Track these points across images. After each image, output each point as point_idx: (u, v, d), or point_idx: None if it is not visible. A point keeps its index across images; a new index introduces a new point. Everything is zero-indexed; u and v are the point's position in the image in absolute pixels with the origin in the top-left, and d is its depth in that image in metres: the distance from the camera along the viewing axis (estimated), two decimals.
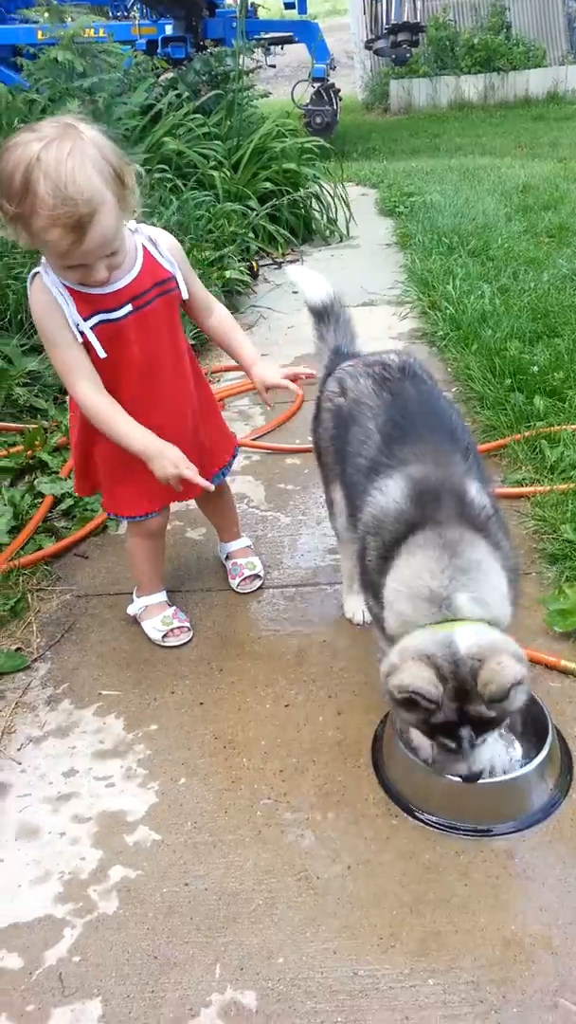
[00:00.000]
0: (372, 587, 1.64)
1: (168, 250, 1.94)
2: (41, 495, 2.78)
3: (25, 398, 3.31)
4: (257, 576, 2.41)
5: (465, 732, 1.44)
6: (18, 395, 3.30)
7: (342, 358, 2.16)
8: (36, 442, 2.98)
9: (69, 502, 2.78)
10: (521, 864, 1.54)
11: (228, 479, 2.78)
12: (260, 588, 2.40)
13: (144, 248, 1.88)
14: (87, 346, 1.82)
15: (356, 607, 2.21)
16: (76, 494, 2.31)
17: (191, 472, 1.86)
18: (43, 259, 1.79)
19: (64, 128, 1.63)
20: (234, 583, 2.40)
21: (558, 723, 1.79)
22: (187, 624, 2.23)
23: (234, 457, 2.34)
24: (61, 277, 1.77)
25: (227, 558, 2.46)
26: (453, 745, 1.46)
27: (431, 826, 1.63)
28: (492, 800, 1.65)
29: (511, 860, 1.55)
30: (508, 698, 1.39)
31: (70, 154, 1.58)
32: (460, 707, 1.40)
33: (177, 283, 1.94)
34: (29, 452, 2.97)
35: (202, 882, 1.56)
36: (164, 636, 2.20)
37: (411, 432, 1.73)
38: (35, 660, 2.17)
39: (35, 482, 2.83)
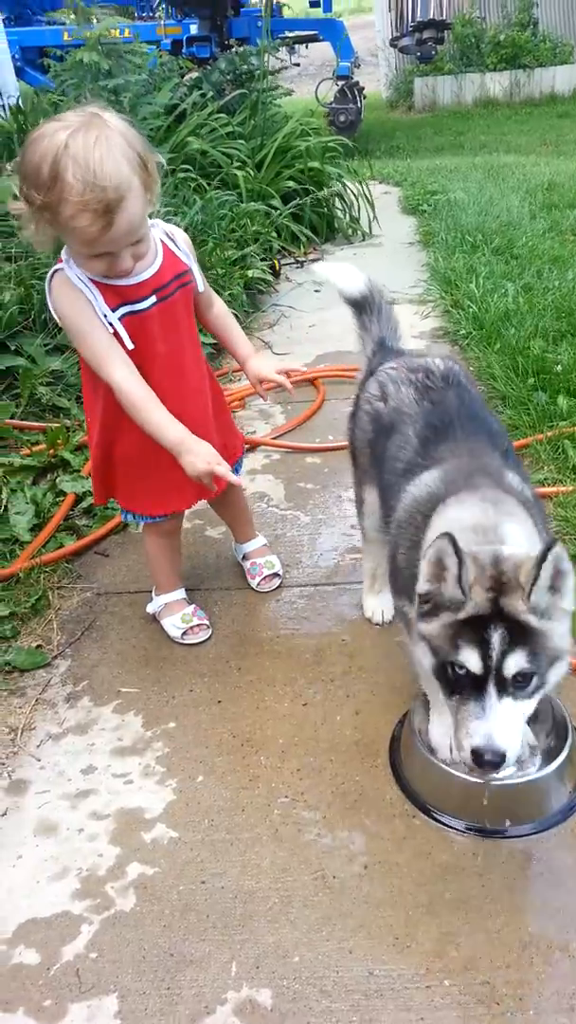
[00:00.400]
0: (405, 588, 1.58)
1: (183, 243, 1.96)
2: (63, 493, 2.80)
3: (48, 397, 3.33)
4: (276, 575, 2.42)
5: (496, 636, 1.30)
6: (41, 394, 3.32)
7: (387, 352, 2.14)
8: (58, 441, 3.00)
9: (90, 500, 2.79)
10: (538, 866, 1.54)
11: (248, 478, 2.78)
12: (279, 587, 2.40)
13: (162, 242, 1.90)
14: (115, 338, 1.81)
15: (376, 606, 2.20)
16: (94, 503, 2.27)
17: (224, 468, 1.83)
18: (64, 254, 1.80)
19: (89, 117, 1.65)
20: (254, 582, 2.41)
21: None
22: (206, 622, 2.23)
23: (243, 455, 2.33)
24: (86, 269, 1.77)
25: (244, 558, 2.46)
26: (476, 665, 1.31)
27: (448, 827, 1.62)
28: (510, 801, 1.64)
29: (528, 862, 1.54)
30: (553, 591, 1.31)
31: (97, 141, 1.61)
32: (495, 599, 1.31)
33: (193, 275, 1.95)
34: (51, 451, 2.99)
35: (219, 880, 1.56)
36: (183, 634, 2.21)
37: (448, 434, 1.73)
38: (55, 657, 2.18)
39: (57, 480, 2.85)
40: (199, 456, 1.81)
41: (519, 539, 1.41)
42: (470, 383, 1.93)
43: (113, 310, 1.80)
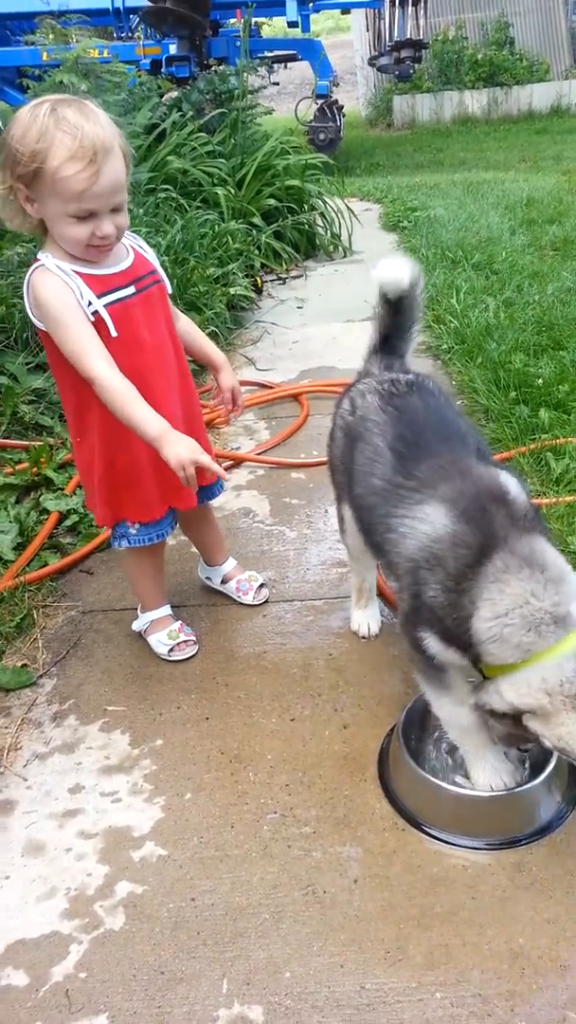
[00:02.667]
0: (439, 623, 1.52)
1: (149, 250, 2.01)
2: (46, 512, 2.79)
3: (31, 415, 3.33)
4: (264, 584, 2.43)
5: None
6: (23, 412, 3.32)
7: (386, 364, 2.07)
8: (41, 459, 3.00)
9: (74, 518, 2.79)
10: (529, 877, 1.54)
11: (233, 493, 2.79)
12: (266, 602, 2.40)
13: (132, 247, 1.95)
14: (99, 328, 1.81)
15: (363, 620, 2.21)
16: (98, 524, 2.22)
17: (207, 458, 1.79)
18: (42, 254, 1.82)
19: (72, 97, 1.76)
20: (247, 598, 2.40)
21: None
22: (193, 637, 2.23)
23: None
24: (70, 241, 1.77)
25: (223, 581, 2.44)
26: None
27: (438, 840, 1.62)
28: (500, 813, 1.64)
29: (519, 873, 1.55)
30: None
31: (81, 107, 1.72)
32: None
33: (161, 276, 1.99)
34: (35, 469, 2.98)
35: (209, 897, 1.56)
36: (170, 650, 2.20)
37: (422, 447, 1.70)
38: (41, 676, 2.17)
39: (40, 499, 2.85)
40: (182, 445, 1.76)
41: None
42: (437, 389, 1.92)
43: (99, 296, 1.82)
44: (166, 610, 2.27)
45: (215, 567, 2.45)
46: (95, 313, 1.80)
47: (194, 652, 2.21)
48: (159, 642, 2.22)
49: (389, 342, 2.08)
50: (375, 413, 1.84)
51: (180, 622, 2.25)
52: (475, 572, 1.45)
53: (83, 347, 1.77)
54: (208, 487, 2.24)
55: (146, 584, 2.25)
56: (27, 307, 1.85)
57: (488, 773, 1.65)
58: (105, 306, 1.82)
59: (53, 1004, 1.39)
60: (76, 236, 1.75)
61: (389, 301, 2.01)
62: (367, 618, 2.20)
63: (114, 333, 1.82)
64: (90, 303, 1.79)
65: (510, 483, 1.57)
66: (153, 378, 1.93)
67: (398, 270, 1.97)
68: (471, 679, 1.57)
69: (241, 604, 2.40)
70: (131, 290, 1.88)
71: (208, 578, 2.48)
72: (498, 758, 1.66)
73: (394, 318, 2.05)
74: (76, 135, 1.65)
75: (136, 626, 2.28)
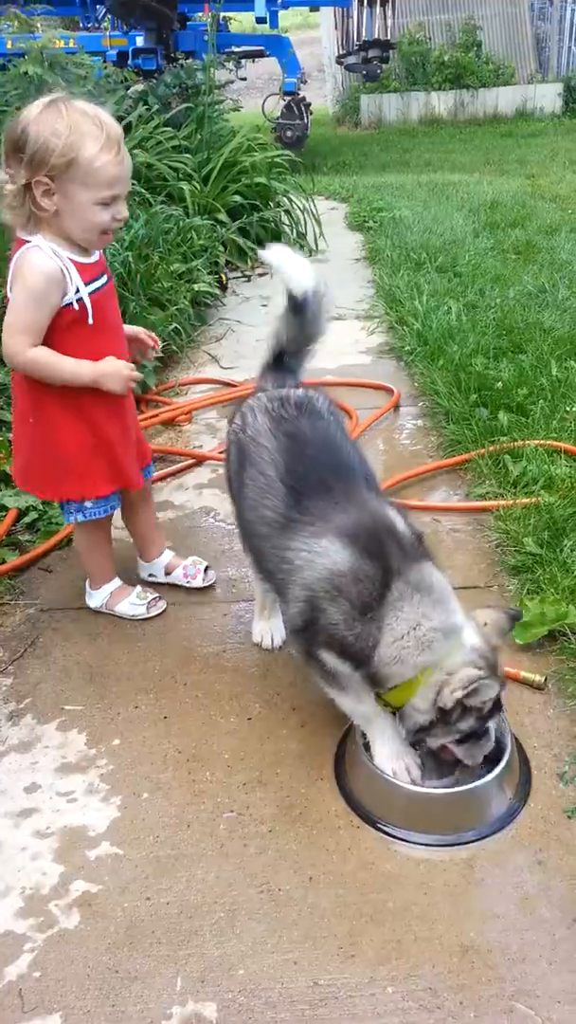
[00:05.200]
0: (336, 644, 1.63)
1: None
2: (5, 508, 2.76)
3: None
4: (209, 567, 2.50)
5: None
6: None
7: (279, 375, 2.08)
8: (0, 455, 2.97)
9: (33, 515, 2.77)
10: (480, 872, 1.57)
11: (195, 492, 2.80)
12: (225, 601, 2.41)
13: None
14: (81, 314, 1.97)
15: (266, 631, 2.22)
16: (86, 497, 2.19)
17: (130, 371, 2.03)
18: (36, 237, 1.92)
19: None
20: (196, 581, 2.46)
21: (517, 732, 1.83)
22: (158, 595, 2.36)
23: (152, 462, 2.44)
24: (90, 229, 1.92)
25: (167, 572, 2.47)
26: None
27: (392, 837, 1.65)
28: (452, 810, 1.67)
29: (470, 869, 1.58)
30: None
31: (84, 102, 1.87)
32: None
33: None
34: None
35: (164, 896, 1.56)
36: (148, 606, 2.32)
37: (314, 480, 1.75)
38: None
39: None
40: (115, 369, 1.99)
41: (463, 620, 1.64)
42: (327, 410, 1.92)
43: (86, 284, 1.97)
44: (119, 581, 2.36)
45: (154, 561, 2.48)
46: (79, 301, 1.95)
47: (165, 606, 2.35)
48: (132, 604, 2.31)
49: (282, 359, 2.10)
50: (266, 438, 1.84)
51: (138, 585, 2.36)
52: (378, 603, 1.57)
53: (28, 328, 1.92)
54: (144, 467, 2.32)
55: (99, 557, 2.32)
56: (8, 280, 1.96)
57: (391, 756, 1.71)
58: (89, 294, 1.98)
59: (6, 1004, 1.39)
60: (100, 221, 1.91)
61: (295, 306, 2.03)
62: (270, 629, 2.21)
63: (91, 320, 1.99)
64: (77, 290, 1.95)
65: (396, 516, 1.70)
66: (116, 355, 2.09)
67: (302, 269, 2.05)
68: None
69: (203, 604, 2.41)
70: (104, 279, 2.06)
71: (151, 575, 2.50)
72: (403, 744, 1.71)
73: (295, 330, 2.06)
74: (102, 127, 1.82)
75: (95, 603, 2.34)
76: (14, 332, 1.93)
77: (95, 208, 1.87)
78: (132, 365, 2.06)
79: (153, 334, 2.34)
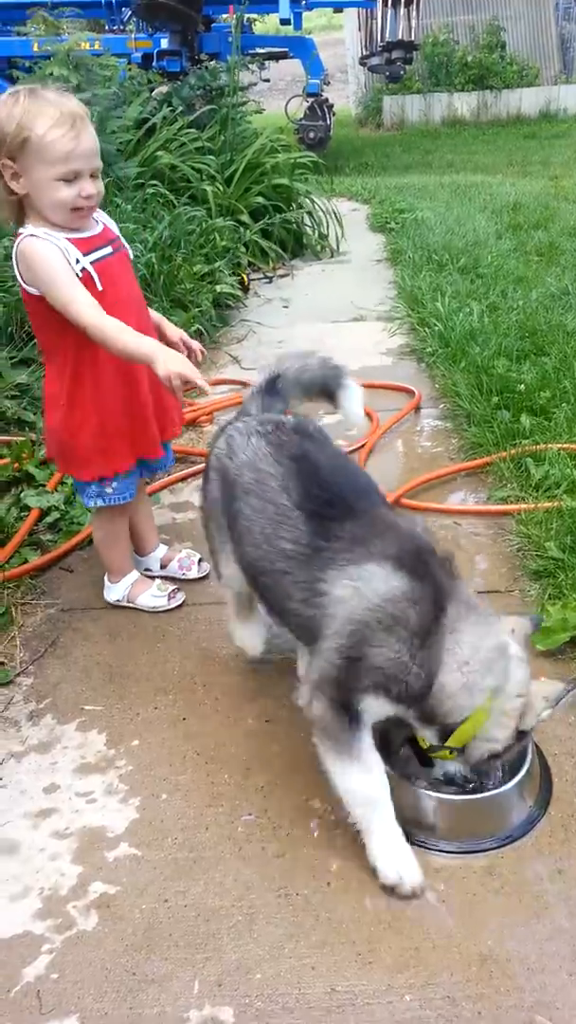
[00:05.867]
0: (389, 682, 1.49)
1: (112, 224, 2.20)
2: (27, 508, 2.78)
3: (13, 411, 3.31)
4: (203, 558, 2.54)
5: None
6: (6, 408, 3.31)
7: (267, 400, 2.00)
8: (23, 455, 2.99)
9: (55, 515, 2.78)
10: (499, 881, 1.56)
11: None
12: None
13: (96, 218, 2.12)
14: (87, 283, 1.99)
15: (247, 637, 2.07)
16: (86, 479, 2.23)
17: (195, 372, 1.94)
18: (26, 227, 1.99)
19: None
20: (192, 573, 2.52)
21: (537, 740, 1.81)
22: (177, 586, 2.40)
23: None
24: (51, 209, 1.96)
25: (162, 566, 2.54)
26: None
27: (412, 843, 1.63)
28: (472, 817, 1.66)
29: (489, 877, 1.56)
30: None
31: (54, 88, 1.96)
32: None
33: (124, 243, 2.19)
34: (16, 465, 2.97)
35: (182, 898, 1.56)
36: (169, 597, 2.36)
37: (338, 504, 1.62)
38: (18, 675, 2.17)
39: (21, 495, 2.84)
40: (172, 357, 1.93)
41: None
42: (320, 434, 1.83)
43: (85, 255, 2.01)
44: (137, 573, 2.40)
45: (149, 555, 2.54)
46: (83, 270, 1.99)
47: (184, 597, 2.41)
48: (152, 596, 2.35)
49: (275, 385, 2.00)
50: (268, 463, 1.71)
51: (158, 577, 2.41)
52: (436, 627, 1.48)
53: (72, 296, 1.95)
54: (162, 458, 2.37)
55: (119, 548, 2.37)
56: (18, 276, 2.02)
57: (393, 858, 1.55)
58: (92, 263, 2.02)
59: (24, 1005, 1.40)
60: (63, 198, 1.94)
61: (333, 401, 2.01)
62: (252, 634, 2.07)
63: (100, 287, 2.02)
64: (78, 260, 1.99)
65: (426, 535, 1.62)
66: (133, 327, 2.09)
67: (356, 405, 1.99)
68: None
69: (223, 605, 2.40)
70: (109, 249, 2.09)
71: (147, 568, 2.54)
72: (403, 842, 1.57)
73: (315, 389, 2.04)
74: (56, 105, 1.89)
75: (114, 596, 2.37)
76: (66, 305, 1.96)
77: (57, 184, 1.92)
78: (194, 369, 1.95)
79: (198, 345, 2.34)
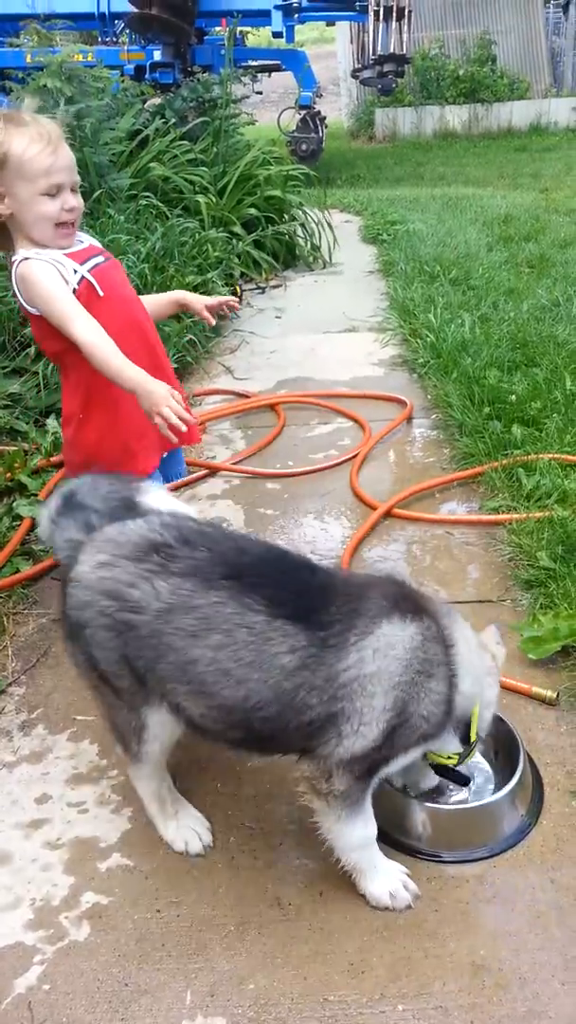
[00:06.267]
0: (435, 727, 1.49)
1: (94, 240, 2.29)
2: (19, 517, 2.78)
3: (5, 420, 3.31)
4: None
5: None
6: None
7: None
8: (15, 464, 2.99)
9: None
10: (491, 890, 1.56)
11: (208, 503, 2.82)
12: None
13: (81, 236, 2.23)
14: (88, 292, 2.07)
15: (186, 833, 1.68)
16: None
17: (178, 410, 1.95)
18: (19, 251, 2.07)
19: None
20: None
21: (529, 749, 1.82)
22: None
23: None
24: (38, 228, 2.03)
25: None
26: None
27: (404, 852, 1.64)
28: (464, 826, 1.66)
29: (481, 886, 1.57)
30: None
31: (28, 111, 2.06)
32: None
33: (112, 256, 2.28)
34: (8, 474, 2.97)
35: (174, 908, 1.56)
36: None
37: (307, 591, 1.47)
38: (10, 685, 2.17)
39: (13, 504, 2.84)
40: (156, 393, 1.96)
41: None
42: (214, 534, 1.55)
43: (82, 264, 2.09)
44: None
45: None
46: (82, 279, 2.05)
47: None
48: None
49: (75, 499, 1.68)
50: (201, 596, 1.43)
51: None
52: (447, 650, 1.49)
53: (69, 315, 2.00)
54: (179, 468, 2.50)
55: None
56: (19, 298, 2.08)
57: (385, 881, 1.54)
58: (89, 270, 2.10)
59: (15, 1017, 1.39)
60: (48, 212, 2.00)
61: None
62: (191, 829, 1.68)
63: (101, 292, 2.09)
64: (75, 271, 2.06)
65: (381, 570, 1.67)
66: (144, 328, 2.25)
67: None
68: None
69: None
70: (101, 258, 2.18)
71: None
72: (390, 866, 1.56)
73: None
74: (32, 125, 1.97)
75: None
76: (64, 322, 2.01)
77: (41, 199, 1.99)
78: (179, 407, 1.95)
79: (229, 299, 2.54)
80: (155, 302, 2.48)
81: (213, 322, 2.53)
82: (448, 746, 1.56)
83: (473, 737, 1.56)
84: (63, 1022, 1.38)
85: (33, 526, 2.77)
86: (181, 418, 1.96)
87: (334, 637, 1.41)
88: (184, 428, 1.98)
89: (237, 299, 2.45)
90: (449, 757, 1.58)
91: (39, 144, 1.96)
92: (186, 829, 1.67)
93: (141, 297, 2.40)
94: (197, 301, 2.48)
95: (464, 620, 1.58)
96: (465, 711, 1.53)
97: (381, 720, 1.41)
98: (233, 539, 1.57)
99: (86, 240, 2.21)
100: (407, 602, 1.49)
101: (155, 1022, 1.37)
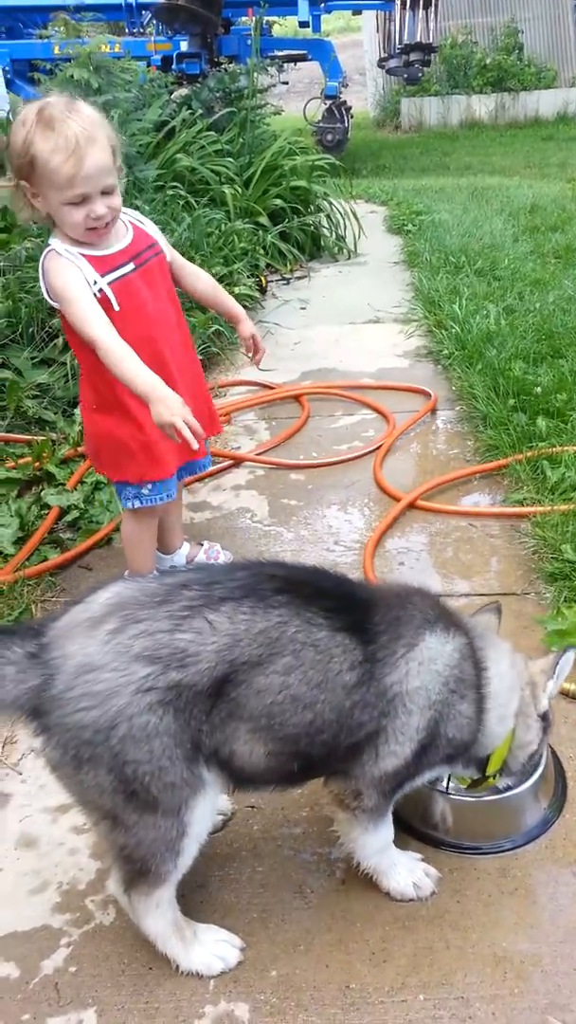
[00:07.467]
0: (464, 743, 1.47)
1: (150, 225, 2.23)
2: (47, 507, 2.81)
3: (34, 410, 3.34)
4: (222, 549, 2.63)
5: None
6: (27, 407, 3.34)
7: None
8: (44, 454, 3.02)
9: (75, 514, 2.81)
10: (513, 882, 1.56)
11: (232, 493, 2.83)
12: None
13: (131, 222, 2.16)
14: (103, 304, 2.01)
15: (217, 956, 1.44)
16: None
17: (187, 422, 1.84)
18: (53, 238, 2.03)
19: (63, 96, 1.99)
20: (221, 559, 2.60)
21: (552, 742, 1.81)
22: None
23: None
24: (69, 225, 1.98)
25: (188, 561, 2.58)
26: None
27: (427, 843, 1.64)
28: (487, 818, 1.67)
29: (503, 878, 1.57)
30: None
31: (67, 106, 1.94)
32: None
33: (162, 247, 2.21)
34: (36, 464, 3.00)
35: (198, 894, 1.58)
36: None
37: (352, 601, 1.42)
38: None
39: (42, 494, 2.87)
40: (167, 405, 1.85)
41: None
42: (248, 566, 1.44)
43: (103, 275, 2.03)
44: (157, 572, 2.39)
45: (174, 553, 2.58)
46: (100, 291, 2.01)
47: None
48: None
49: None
50: (262, 619, 1.29)
51: None
52: (480, 672, 1.47)
53: (85, 316, 1.96)
54: (198, 460, 2.42)
55: (143, 548, 2.38)
56: (42, 289, 2.06)
57: (406, 875, 1.54)
58: (109, 283, 2.04)
59: (42, 997, 1.42)
60: (75, 220, 1.96)
61: None
62: (218, 938, 1.47)
63: (116, 307, 2.04)
64: (95, 282, 2.01)
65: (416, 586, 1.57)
66: (159, 345, 2.13)
67: None
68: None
69: None
70: (131, 267, 2.10)
71: (173, 566, 2.56)
72: (404, 854, 1.57)
73: None
74: (59, 129, 1.88)
75: None
76: (81, 325, 1.97)
77: (67, 208, 1.95)
78: (191, 419, 1.86)
79: (260, 345, 2.43)
80: (213, 290, 2.37)
81: (249, 351, 2.46)
82: (464, 771, 1.57)
83: (496, 766, 1.54)
84: (89, 1003, 1.40)
85: (60, 515, 2.80)
86: (194, 432, 1.85)
87: (382, 649, 1.36)
88: (195, 445, 1.87)
89: (263, 353, 2.42)
90: (462, 780, 1.61)
91: (62, 155, 1.88)
92: (213, 944, 1.45)
93: (197, 271, 2.35)
94: (247, 328, 2.40)
95: (503, 642, 1.56)
96: (490, 744, 1.50)
97: (415, 739, 1.38)
98: (236, 564, 1.52)
99: (129, 234, 2.11)
100: (444, 615, 1.47)
101: (179, 1006, 1.39)
